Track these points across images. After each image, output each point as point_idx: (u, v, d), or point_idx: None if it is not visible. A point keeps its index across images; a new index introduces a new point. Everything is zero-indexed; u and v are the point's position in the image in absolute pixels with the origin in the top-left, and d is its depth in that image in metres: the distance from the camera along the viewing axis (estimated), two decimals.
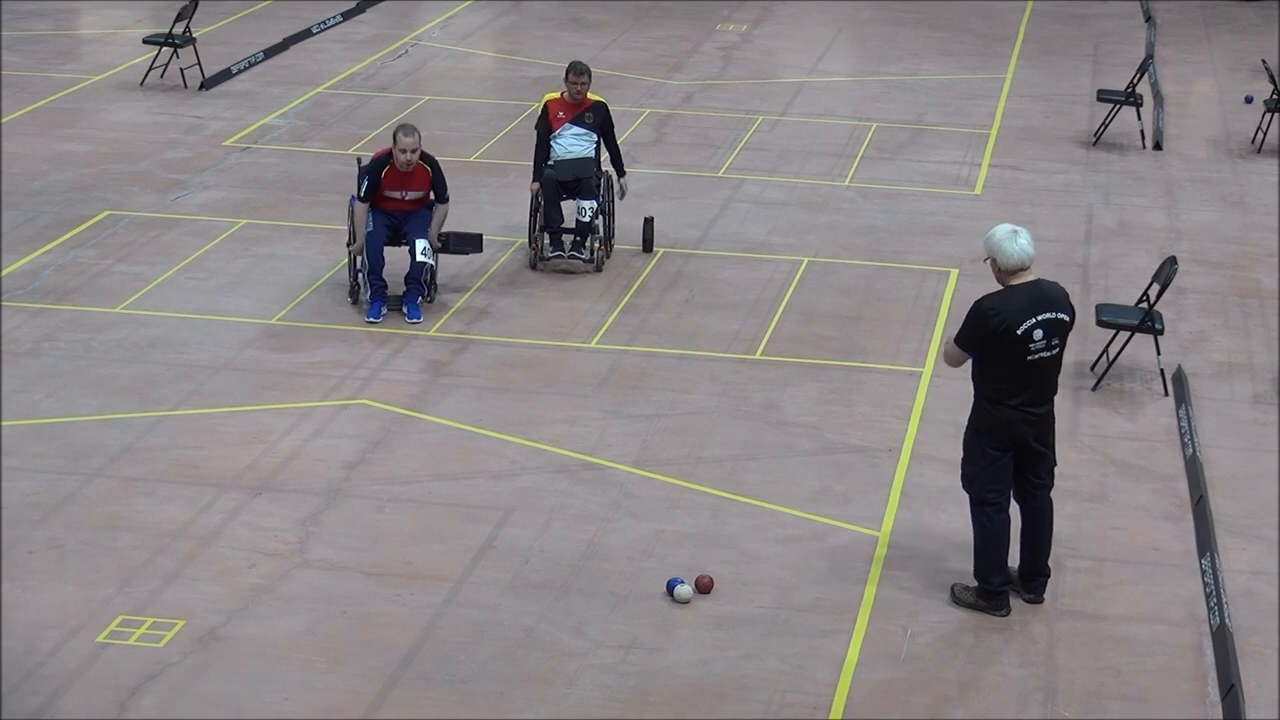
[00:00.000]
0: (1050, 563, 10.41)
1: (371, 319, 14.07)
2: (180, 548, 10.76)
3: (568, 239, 15.26)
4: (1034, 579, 10.32)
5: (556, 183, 15.17)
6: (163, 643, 9.74)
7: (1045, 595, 10.34)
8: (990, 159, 18.88)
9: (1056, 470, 10.37)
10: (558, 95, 15.45)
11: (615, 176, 15.62)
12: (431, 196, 14.39)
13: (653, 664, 9.69)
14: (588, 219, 15.16)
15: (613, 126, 15.50)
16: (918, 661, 9.81)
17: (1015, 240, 9.82)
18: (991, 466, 10.01)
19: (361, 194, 14.22)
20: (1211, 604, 10.36)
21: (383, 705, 9.29)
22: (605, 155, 15.53)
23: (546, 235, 15.25)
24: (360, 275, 14.30)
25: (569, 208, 15.31)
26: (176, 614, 10.02)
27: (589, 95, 15.37)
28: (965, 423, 10.16)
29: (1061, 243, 16.32)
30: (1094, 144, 19.48)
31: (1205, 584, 10.61)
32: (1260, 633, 10.17)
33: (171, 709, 9.20)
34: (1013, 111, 20.75)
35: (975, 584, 10.25)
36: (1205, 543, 11.03)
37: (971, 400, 10.10)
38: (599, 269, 15.29)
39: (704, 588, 10.34)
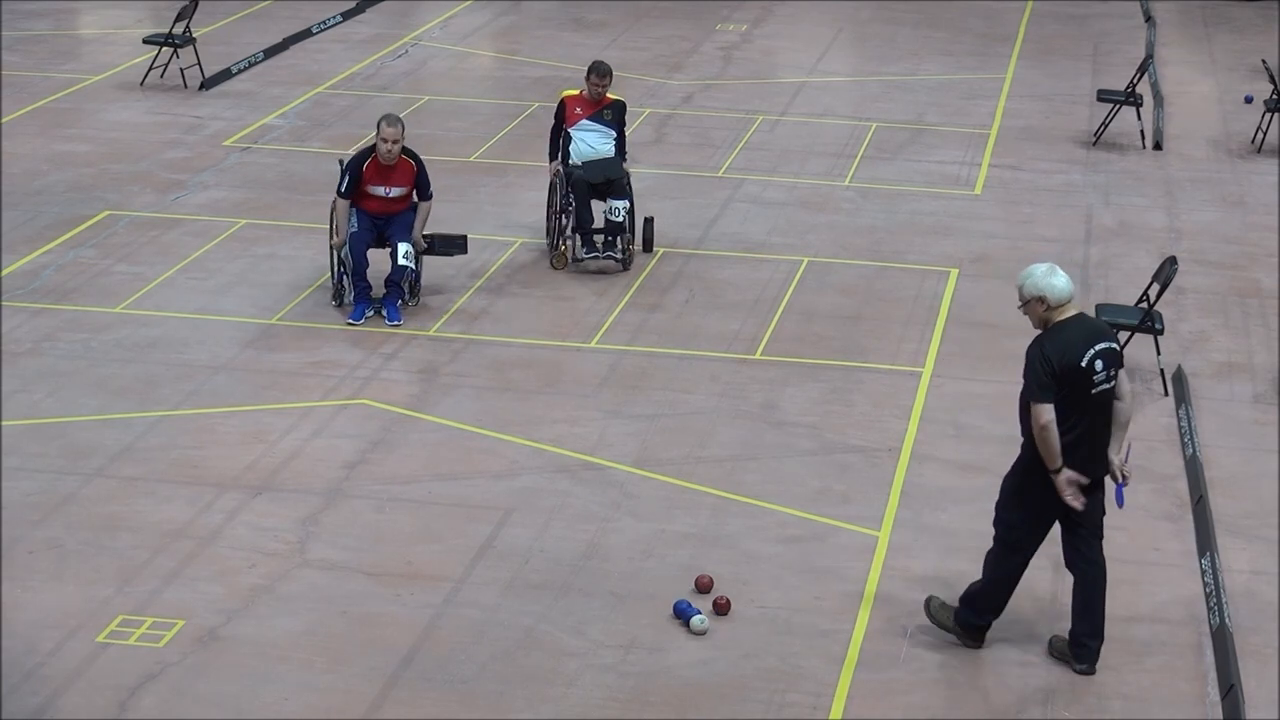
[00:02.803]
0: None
1: (353, 321, 14.04)
2: (180, 548, 10.75)
3: (598, 239, 15.28)
4: (1090, 644, 9.68)
5: (587, 184, 15.19)
6: (163, 643, 9.74)
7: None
8: (990, 159, 18.87)
9: None
10: (576, 92, 15.52)
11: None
12: (415, 199, 14.35)
13: (653, 664, 9.69)
14: (620, 218, 15.20)
15: (624, 124, 15.65)
16: (918, 661, 9.80)
17: (1057, 275, 9.39)
18: (1035, 516, 9.57)
19: (342, 190, 14.19)
20: (1211, 604, 10.36)
21: (383, 705, 9.29)
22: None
23: (579, 237, 15.27)
24: (345, 277, 14.28)
25: (596, 207, 15.33)
26: (176, 614, 10.02)
27: (608, 95, 15.44)
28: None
29: (1061, 243, 16.31)
30: (1094, 144, 19.47)
31: (1205, 584, 10.61)
32: (1260, 633, 10.17)
33: (171, 709, 9.20)
34: (1013, 111, 20.74)
35: (956, 606, 9.85)
36: (1205, 543, 11.03)
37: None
38: (626, 267, 15.31)
39: (704, 588, 10.34)
